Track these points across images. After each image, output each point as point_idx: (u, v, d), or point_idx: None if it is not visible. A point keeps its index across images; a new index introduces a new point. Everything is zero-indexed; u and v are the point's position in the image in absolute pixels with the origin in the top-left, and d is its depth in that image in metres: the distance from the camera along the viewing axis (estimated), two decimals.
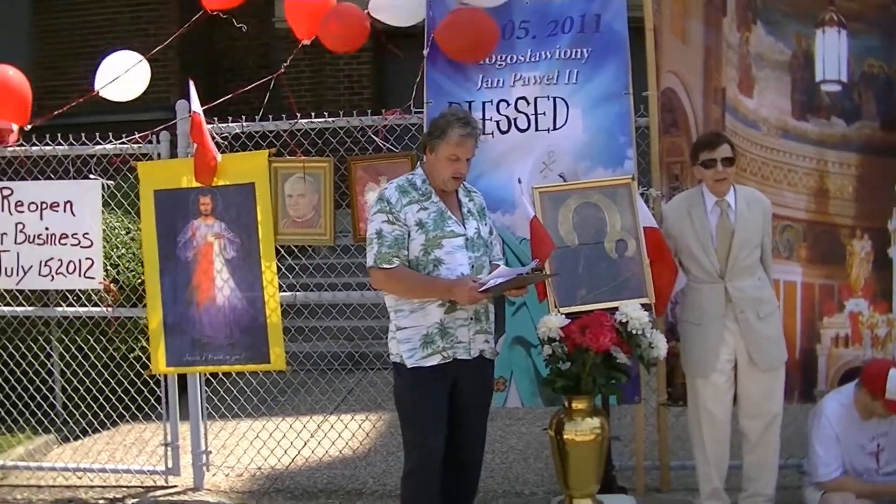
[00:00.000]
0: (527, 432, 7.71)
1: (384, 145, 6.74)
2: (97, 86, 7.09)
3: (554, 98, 6.36)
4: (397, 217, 5.07)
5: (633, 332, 5.35)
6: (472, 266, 5.11)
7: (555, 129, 6.35)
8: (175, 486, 7.37)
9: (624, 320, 5.36)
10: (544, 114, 6.36)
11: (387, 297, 5.27)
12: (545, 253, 5.40)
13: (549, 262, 5.47)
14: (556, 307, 5.57)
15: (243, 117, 7.10)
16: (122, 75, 7.10)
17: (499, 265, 5.29)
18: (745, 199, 5.74)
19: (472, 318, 5.12)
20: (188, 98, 6.78)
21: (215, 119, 6.99)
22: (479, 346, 5.19)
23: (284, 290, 7.05)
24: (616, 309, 5.44)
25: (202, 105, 6.72)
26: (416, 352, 5.09)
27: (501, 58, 6.44)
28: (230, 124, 7.10)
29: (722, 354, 5.70)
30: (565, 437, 5.40)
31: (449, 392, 5.16)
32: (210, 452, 7.48)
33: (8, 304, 7.83)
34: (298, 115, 6.90)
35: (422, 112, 6.49)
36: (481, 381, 5.33)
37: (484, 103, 6.40)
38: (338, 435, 7.67)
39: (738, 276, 5.66)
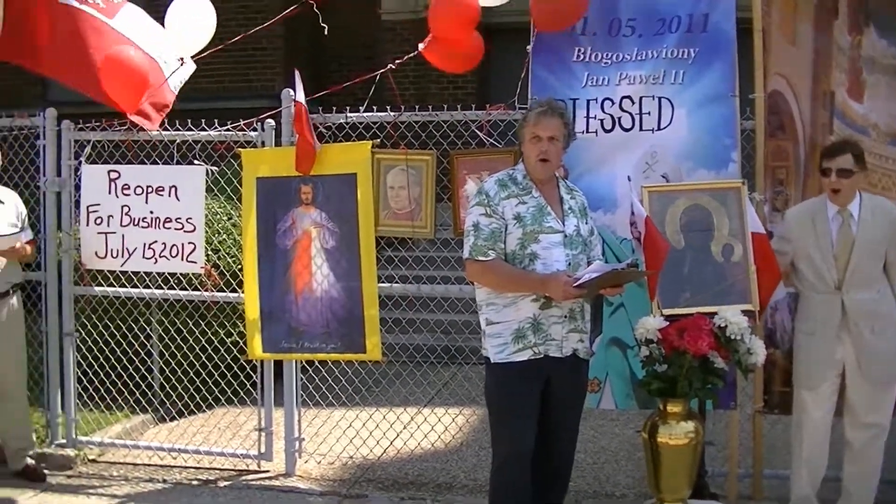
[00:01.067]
0: (619, 434, 7.69)
1: (487, 140, 6.74)
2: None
3: (659, 98, 6.33)
4: (495, 210, 5.11)
5: (732, 337, 5.34)
6: (569, 263, 5.10)
7: (659, 129, 6.32)
8: (267, 472, 7.47)
9: (723, 325, 5.34)
10: (649, 113, 6.33)
11: (478, 291, 5.31)
12: (659, 254, 5.39)
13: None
14: (658, 308, 5.55)
15: (347, 108, 7.14)
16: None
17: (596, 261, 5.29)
18: (870, 209, 5.64)
19: (566, 317, 5.12)
20: (293, 87, 6.86)
21: (320, 109, 7.06)
22: (573, 344, 5.18)
23: (383, 282, 7.09)
24: (714, 313, 5.41)
25: (307, 95, 6.80)
26: (506, 346, 5.11)
27: (607, 56, 6.42)
28: (334, 114, 7.15)
29: (832, 366, 5.64)
30: (659, 440, 5.41)
31: (541, 390, 5.16)
32: (303, 439, 7.58)
33: (111, 285, 8.00)
34: (402, 107, 6.92)
35: (526, 108, 6.46)
36: (575, 381, 5.31)
37: (588, 101, 6.39)
38: (430, 428, 7.68)
39: (855, 287, 5.58)
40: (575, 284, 4.92)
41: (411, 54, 6.78)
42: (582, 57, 6.46)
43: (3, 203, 7.25)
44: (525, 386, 5.11)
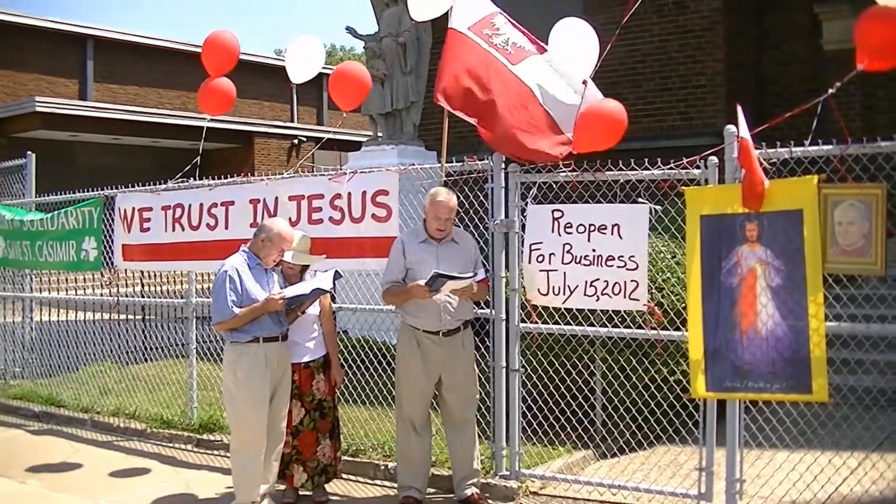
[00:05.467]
0: None
1: None
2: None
3: None
4: None
5: None
6: None
7: None
8: None
9: None
10: None
11: None
12: None
13: None
14: None
15: (791, 142, 7.14)
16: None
17: None
18: None
19: None
20: (735, 123, 6.96)
21: (763, 144, 7.10)
22: None
23: (830, 321, 7.01)
24: None
25: (749, 130, 6.86)
26: None
27: None
28: (778, 150, 7.17)
29: None
30: None
31: None
32: (744, 481, 7.59)
33: (556, 323, 8.40)
34: (849, 139, 6.82)
35: None
36: None
37: None
38: (879, 474, 7.52)
39: None
40: None
41: (852, 72, 6.61)
42: None
43: (457, 244, 7.83)
44: None
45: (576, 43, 8.17)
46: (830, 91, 6.59)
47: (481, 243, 8.36)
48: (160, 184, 10.98)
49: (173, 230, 10.43)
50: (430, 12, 8.65)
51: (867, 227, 6.63)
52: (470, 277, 7.64)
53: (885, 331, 7.35)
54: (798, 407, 7.84)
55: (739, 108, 6.94)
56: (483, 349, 8.49)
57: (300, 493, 8.32)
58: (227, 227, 9.85)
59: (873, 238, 6.64)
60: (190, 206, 10.26)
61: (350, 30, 16.25)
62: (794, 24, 15.46)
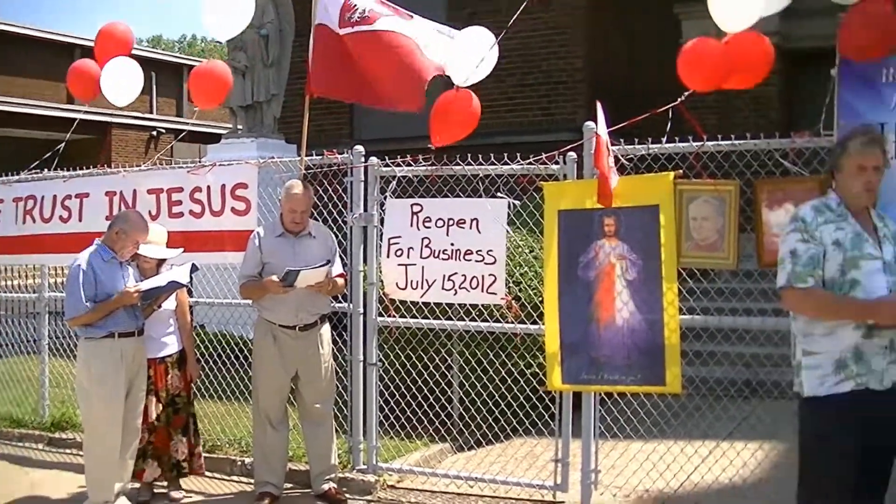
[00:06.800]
0: None
1: (793, 169, 6.70)
2: None
3: None
4: (812, 235, 5.09)
5: None
6: (890, 290, 5.01)
7: None
8: (562, 502, 7.71)
9: None
10: None
11: (795, 322, 5.26)
12: None
13: None
14: None
15: (649, 139, 7.26)
16: None
17: None
18: None
19: (887, 347, 5.01)
20: (596, 119, 7.03)
21: (621, 140, 7.22)
22: (893, 377, 5.04)
23: (684, 313, 7.16)
24: None
25: (609, 126, 6.94)
26: (827, 378, 5.04)
27: None
28: (636, 146, 7.29)
29: None
30: None
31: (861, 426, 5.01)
32: (599, 471, 7.70)
33: (414, 317, 8.43)
34: (704, 137, 6.96)
35: (832, 134, 6.40)
36: (893, 415, 5.10)
37: None
38: (729, 462, 7.70)
39: None
40: None
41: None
42: (891, 78, 6.29)
43: (314, 238, 7.80)
44: (846, 423, 4.99)
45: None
46: (685, 95, 6.70)
47: (340, 237, 8.32)
48: (13, 175, 10.67)
49: (24, 222, 10.13)
50: (228, 33, 8.60)
51: (721, 223, 6.79)
52: (324, 265, 7.60)
53: (736, 323, 7.52)
54: (652, 398, 7.98)
55: (599, 105, 7.00)
56: (340, 343, 8.45)
57: (154, 490, 8.18)
58: (80, 220, 9.60)
59: (726, 233, 6.79)
60: (43, 197, 9.96)
61: None
62: (656, 22, 15.72)
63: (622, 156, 7.25)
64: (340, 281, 7.91)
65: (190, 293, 8.56)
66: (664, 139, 7.13)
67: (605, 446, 8.02)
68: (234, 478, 8.75)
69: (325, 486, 7.94)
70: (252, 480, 8.25)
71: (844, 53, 6.29)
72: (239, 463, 8.83)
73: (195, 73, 8.80)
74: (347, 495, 7.99)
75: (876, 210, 5.31)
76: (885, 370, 5.02)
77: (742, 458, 7.81)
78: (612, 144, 7.02)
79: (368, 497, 8.09)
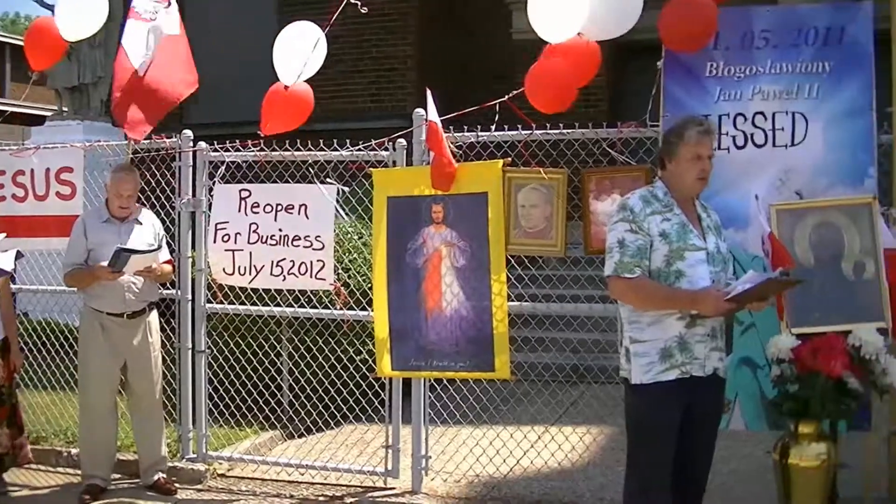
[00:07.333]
0: (749, 454, 7.66)
1: (619, 158, 6.81)
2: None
3: (793, 113, 6.33)
4: (640, 226, 5.12)
5: (867, 357, 5.38)
6: (713, 280, 5.12)
7: (793, 144, 6.32)
8: (393, 489, 7.67)
9: (857, 345, 5.38)
10: (782, 129, 6.34)
11: (622, 309, 5.32)
12: (785, 268, 5.41)
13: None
14: (787, 328, 5.61)
15: (479, 127, 7.28)
16: None
17: (730, 282, 5.30)
18: None
19: (708, 335, 5.13)
20: (426, 107, 7.03)
21: (451, 128, 7.21)
22: (714, 363, 5.18)
23: (513, 300, 7.20)
24: (849, 331, 5.44)
25: (439, 114, 6.95)
26: (653, 366, 5.11)
27: (740, 69, 6.43)
28: (466, 133, 7.31)
29: None
30: (790, 461, 5.46)
31: (682, 411, 5.16)
32: (430, 457, 7.73)
33: (243, 303, 8.32)
34: (534, 126, 7.00)
35: (658, 125, 6.53)
36: (713, 401, 5.33)
37: (721, 116, 6.40)
38: (558, 446, 7.80)
39: None
40: (728, 298, 4.98)
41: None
42: (715, 72, 6.48)
43: (141, 224, 7.62)
44: (671, 407, 5.11)
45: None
46: (518, 87, 6.73)
47: (168, 223, 8.16)
48: None
49: None
50: (83, 32, 8.39)
51: (549, 211, 6.85)
52: (154, 250, 7.44)
53: (564, 310, 7.62)
54: (481, 384, 8.04)
55: (429, 92, 6.98)
56: (169, 330, 8.29)
57: None
58: None
59: (554, 221, 6.86)
60: None
61: None
62: (488, 11, 15.79)
63: (452, 143, 7.24)
64: (168, 267, 7.74)
65: (13, 280, 8.27)
66: (493, 127, 7.14)
67: (436, 432, 8.04)
68: (61, 469, 8.45)
69: (155, 478, 7.76)
70: (79, 472, 8.00)
71: (667, 45, 6.42)
72: (65, 454, 8.54)
73: (31, 30, 8.52)
74: (177, 485, 7.81)
75: (699, 200, 5.41)
76: (706, 357, 5.13)
77: (571, 443, 7.89)
78: (444, 132, 7.02)
79: (198, 486, 7.94)
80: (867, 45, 6.26)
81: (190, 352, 8.21)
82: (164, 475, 7.81)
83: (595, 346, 9.41)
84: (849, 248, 5.83)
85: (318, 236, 7.58)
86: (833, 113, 6.29)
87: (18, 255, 7.70)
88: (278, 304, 8.38)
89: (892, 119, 6.39)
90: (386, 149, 7.56)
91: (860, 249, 5.80)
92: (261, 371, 8.73)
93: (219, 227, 7.84)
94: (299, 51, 7.23)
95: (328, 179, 7.62)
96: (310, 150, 7.88)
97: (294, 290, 8.23)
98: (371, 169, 7.41)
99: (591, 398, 9.25)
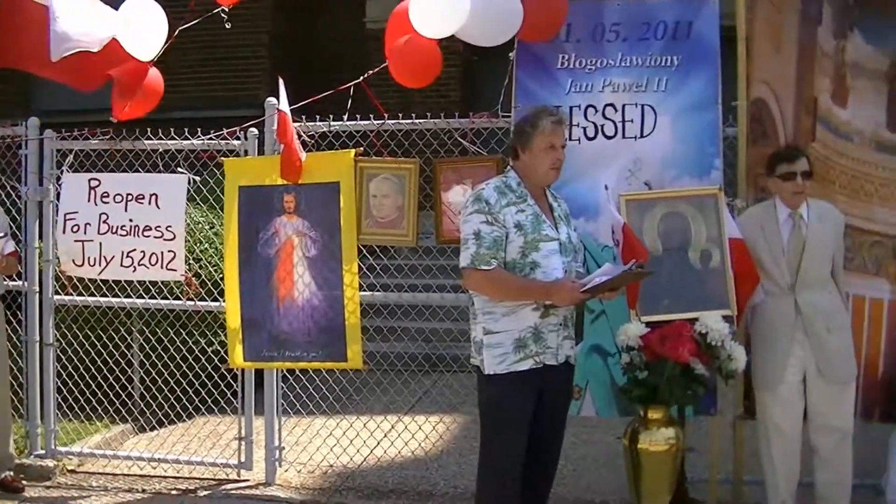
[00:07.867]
0: (600, 441, 7.78)
1: (471, 148, 6.84)
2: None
3: (642, 105, 6.45)
4: (496, 218, 5.11)
5: (713, 343, 5.49)
6: (566, 270, 5.16)
7: (642, 136, 6.45)
8: (247, 480, 7.58)
9: (704, 331, 5.49)
10: (632, 121, 6.45)
11: (476, 299, 5.28)
12: (639, 259, 5.48)
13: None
14: (637, 315, 5.70)
15: (331, 116, 7.24)
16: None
17: (580, 272, 5.38)
18: (817, 213, 5.85)
19: (561, 324, 5.18)
20: (278, 96, 6.96)
21: (303, 117, 7.17)
22: (566, 351, 5.24)
23: (365, 290, 7.18)
24: (696, 319, 5.55)
25: (292, 104, 6.89)
26: (507, 357, 5.12)
27: (591, 62, 6.52)
28: (317, 123, 7.26)
29: (790, 367, 5.77)
30: (639, 446, 5.56)
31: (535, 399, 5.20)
32: (283, 448, 7.69)
33: (92, 295, 8.12)
34: (386, 115, 7.01)
35: (509, 116, 6.57)
36: (564, 388, 5.40)
37: (571, 108, 6.47)
38: (411, 436, 7.82)
39: (808, 288, 5.76)
40: (584, 289, 5.01)
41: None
42: (566, 64, 6.56)
43: None
44: (524, 396, 5.14)
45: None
46: (368, 74, 6.71)
47: (14, 213, 7.92)
48: None
49: None
50: None
51: (401, 201, 6.84)
52: None
53: (416, 299, 7.64)
54: (334, 374, 8.00)
55: (281, 81, 6.93)
56: (15, 323, 8.06)
57: None
58: None
59: (406, 211, 6.85)
60: None
61: None
62: (342, 0, 15.73)
63: (304, 133, 7.19)
64: (14, 259, 7.53)
65: None
66: (346, 117, 7.12)
67: (289, 423, 8.01)
68: None
69: (2, 475, 7.53)
70: None
71: (518, 35, 6.46)
72: None
73: None
74: (25, 482, 7.56)
75: (550, 190, 5.44)
76: (559, 346, 5.18)
77: (424, 432, 7.91)
78: (295, 121, 6.99)
79: (48, 483, 7.70)
80: (713, 41, 6.42)
81: (38, 345, 7.96)
82: (12, 473, 7.57)
83: (447, 335, 9.44)
84: (696, 237, 5.94)
85: (169, 226, 7.42)
86: (681, 106, 6.43)
87: None
88: (129, 296, 8.23)
89: (737, 113, 6.52)
90: (238, 138, 7.46)
91: (707, 239, 5.92)
92: (111, 364, 8.49)
93: (68, 217, 7.63)
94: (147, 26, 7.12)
95: (179, 169, 7.49)
96: (161, 139, 7.71)
97: (145, 281, 8.08)
98: (223, 158, 7.31)
99: (444, 387, 9.26)
